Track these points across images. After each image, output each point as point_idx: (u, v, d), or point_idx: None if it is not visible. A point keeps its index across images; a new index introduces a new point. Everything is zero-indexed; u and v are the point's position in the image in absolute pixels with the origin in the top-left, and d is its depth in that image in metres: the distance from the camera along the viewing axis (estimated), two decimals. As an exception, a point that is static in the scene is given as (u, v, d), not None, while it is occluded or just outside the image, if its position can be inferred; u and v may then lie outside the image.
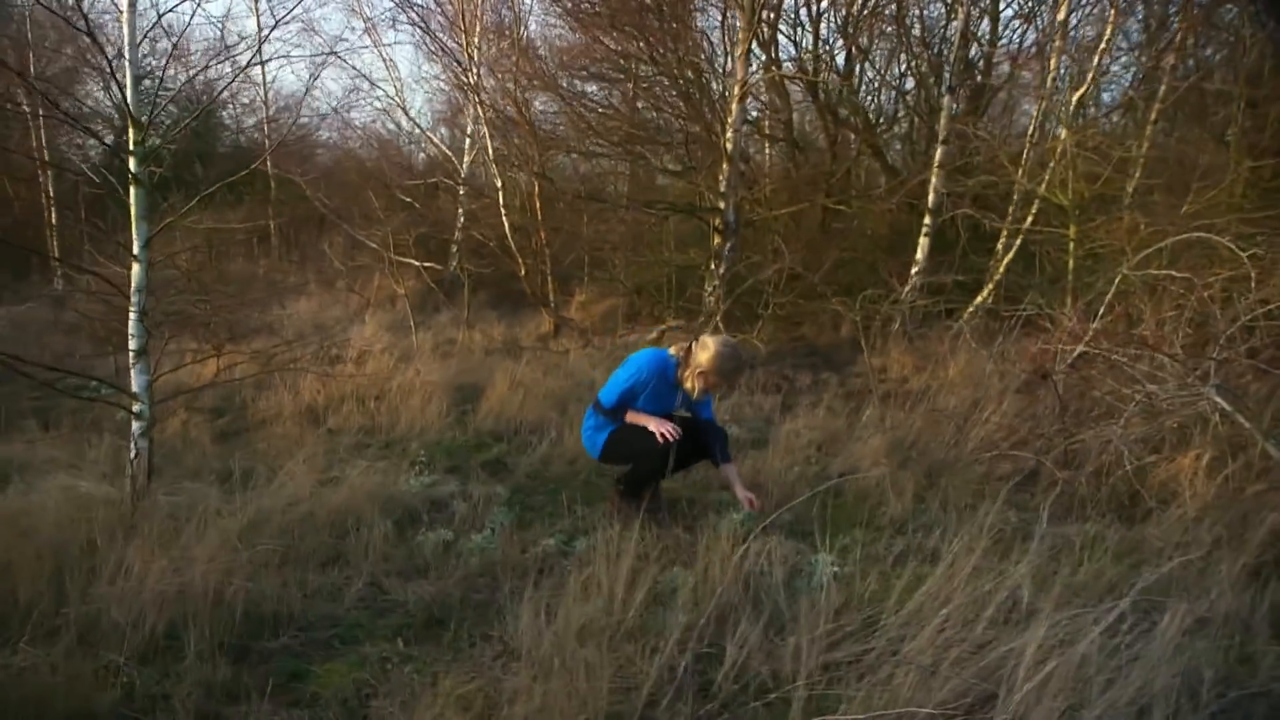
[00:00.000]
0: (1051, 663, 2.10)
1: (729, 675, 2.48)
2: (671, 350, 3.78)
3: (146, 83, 8.31)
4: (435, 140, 11.15)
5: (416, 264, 10.43)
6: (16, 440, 4.85)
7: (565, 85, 9.00)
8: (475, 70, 8.97)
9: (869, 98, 10.86)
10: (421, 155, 12.60)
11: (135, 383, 3.78)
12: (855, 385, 6.56)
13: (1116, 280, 4.64)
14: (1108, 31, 6.90)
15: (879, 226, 9.68)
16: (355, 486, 3.99)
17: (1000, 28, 9.59)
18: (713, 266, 7.91)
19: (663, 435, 3.62)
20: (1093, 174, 5.61)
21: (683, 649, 2.65)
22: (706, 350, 3.65)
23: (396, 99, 12.07)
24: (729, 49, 8.28)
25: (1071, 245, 5.75)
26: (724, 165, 7.76)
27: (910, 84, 10.29)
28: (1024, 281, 6.78)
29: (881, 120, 10.69)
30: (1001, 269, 7.43)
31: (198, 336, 7.12)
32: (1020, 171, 6.27)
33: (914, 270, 8.25)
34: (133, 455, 3.79)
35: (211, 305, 6.83)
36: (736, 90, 7.58)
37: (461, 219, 11.11)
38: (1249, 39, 6.33)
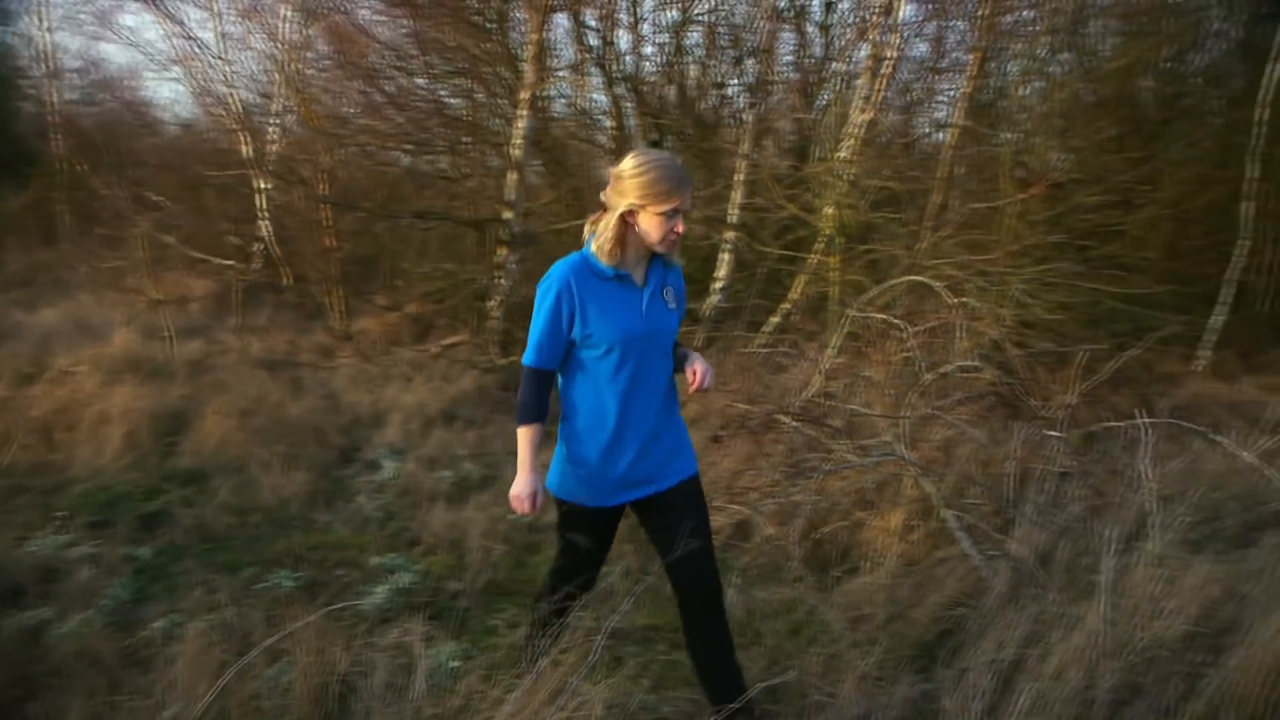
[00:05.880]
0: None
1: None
2: (585, 237, 2.43)
3: None
4: (232, 124, 10.25)
5: (208, 260, 9.67)
6: None
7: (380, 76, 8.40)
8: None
9: (698, 101, 10.68)
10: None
11: None
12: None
13: (845, 321, 4.47)
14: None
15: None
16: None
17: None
18: (498, 280, 7.46)
19: (519, 502, 2.37)
20: (855, 203, 5.44)
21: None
22: (621, 179, 2.27)
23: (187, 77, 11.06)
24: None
25: (833, 274, 5.57)
26: (509, 174, 7.33)
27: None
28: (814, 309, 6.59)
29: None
30: (798, 290, 7.26)
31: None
32: (779, 194, 6.05)
33: (716, 286, 8.04)
34: None
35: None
36: (525, 95, 7.15)
37: (264, 216, 10.30)
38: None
